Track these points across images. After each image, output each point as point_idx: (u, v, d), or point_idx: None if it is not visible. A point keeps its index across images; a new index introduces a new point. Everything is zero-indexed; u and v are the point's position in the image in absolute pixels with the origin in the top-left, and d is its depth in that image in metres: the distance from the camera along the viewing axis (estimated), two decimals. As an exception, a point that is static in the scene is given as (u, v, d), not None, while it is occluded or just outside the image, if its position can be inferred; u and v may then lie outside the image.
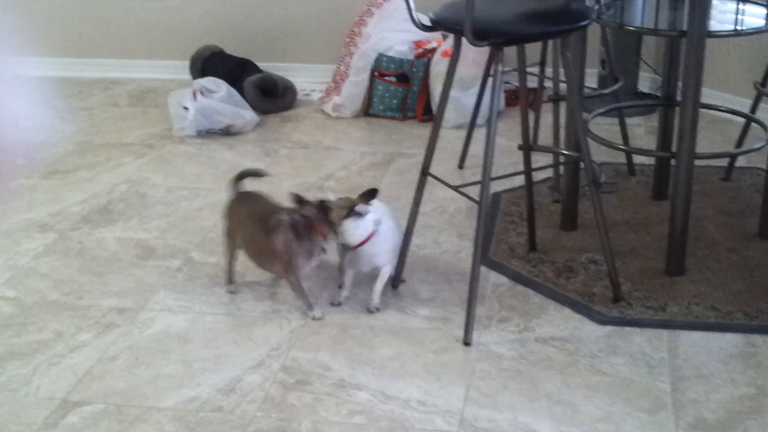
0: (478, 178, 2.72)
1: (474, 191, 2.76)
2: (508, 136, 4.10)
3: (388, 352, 2.65)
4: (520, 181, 3.53)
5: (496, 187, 3.57)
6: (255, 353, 2.66)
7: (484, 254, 3.09)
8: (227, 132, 4.39)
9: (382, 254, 2.84)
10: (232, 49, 4.96)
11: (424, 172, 2.90)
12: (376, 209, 2.82)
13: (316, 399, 2.46)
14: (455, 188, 2.88)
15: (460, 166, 3.91)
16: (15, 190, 3.83)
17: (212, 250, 3.18)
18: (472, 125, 3.94)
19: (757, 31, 3.16)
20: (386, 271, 2.86)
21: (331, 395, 2.47)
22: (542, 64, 3.86)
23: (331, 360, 2.62)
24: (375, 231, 2.79)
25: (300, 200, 2.80)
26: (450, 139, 4.11)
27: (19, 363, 2.64)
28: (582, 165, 2.96)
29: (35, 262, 3.23)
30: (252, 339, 2.73)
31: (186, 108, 4.38)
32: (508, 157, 3.88)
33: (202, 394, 2.48)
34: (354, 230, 2.75)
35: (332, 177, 3.89)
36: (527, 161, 3.08)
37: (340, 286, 2.93)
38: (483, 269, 2.99)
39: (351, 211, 2.73)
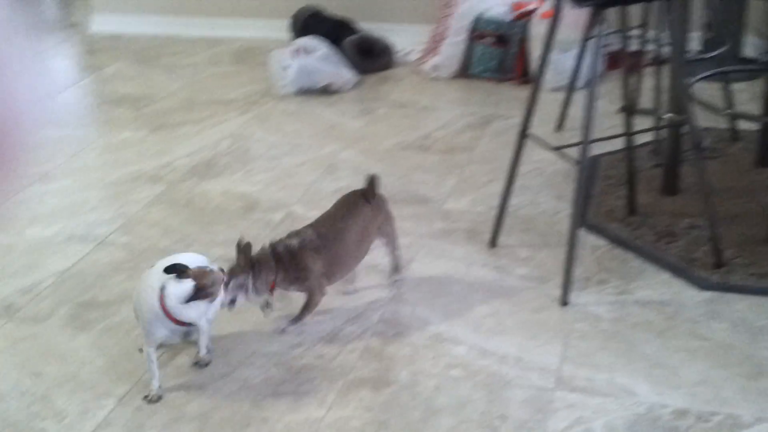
0: (576, 140, 2.73)
1: (573, 153, 2.76)
2: (608, 99, 4.06)
3: (485, 309, 2.69)
4: (619, 144, 3.50)
5: (595, 150, 3.55)
6: (355, 305, 2.74)
7: (583, 216, 3.10)
8: (326, 90, 4.46)
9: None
10: (332, 8, 5.01)
11: (523, 134, 2.91)
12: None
13: (414, 351, 2.52)
14: (555, 149, 2.89)
15: (559, 129, 3.90)
16: (123, 142, 3.98)
17: (314, 204, 3.26)
18: (570, 88, 3.91)
19: None
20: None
21: (428, 348, 2.53)
22: (644, 26, 3.80)
23: (429, 314, 2.68)
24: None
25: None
26: (548, 102, 4.09)
27: (131, 306, 2.76)
28: (684, 129, 2.93)
29: (145, 211, 3.36)
30: (351, 291, 2.80)
31: (287, 67, 4.45)
32: (607, 121, 3.84)
33: (305, 342, 2.57)
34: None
35: (430, 137, 3.92)
36: (628, 124, 3.07)
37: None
38: (582, 231, 2.99)
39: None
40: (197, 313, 2.32)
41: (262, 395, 2.36)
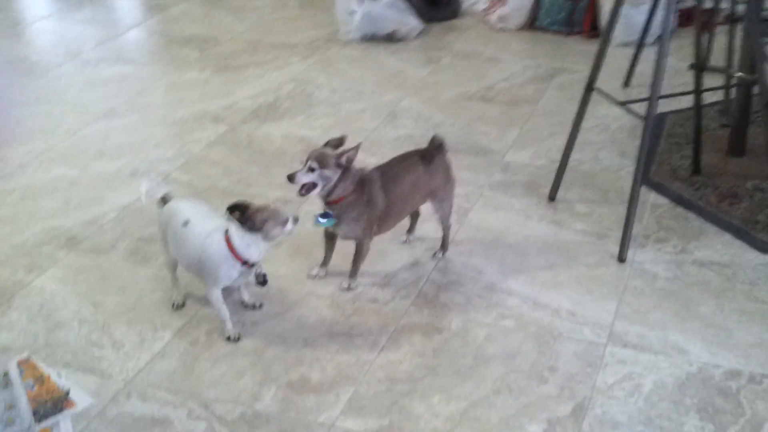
0: (644, 96, 2.68)
1: (640, 109, 2.72)
2: (678, 56, 3.96)
3: (541, 262, 2.68)
4: (687, 103, 3.43)
5: (662, 107, 3.48)
6: (410, 253, 2.75)
7: (645, 174, 3.05)
8: (391, 38, 4.44)
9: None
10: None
11: (590, 87, 2.87)
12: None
13: (467, 300, 2.52)
14: (622, 104, 2.84)
15: (626, 85, 3.83)
16: (188, 82, 4.02)
17: (374, 151, 3.26)
18: (640, 43, 3.83)
19: None
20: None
21: (481, 298, 2.53)
22: (720, -18, 3.70)
23: (484, 265, 2.68)
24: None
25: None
26: (616, 56, 4.00)
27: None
28: (755, 89, 2.86)
29: (207, 150, 3.40)
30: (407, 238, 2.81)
31: (352, 13, 4.44)
32: (676, 79, 3.76)
33: (359, 286, 2.59)
34: None
35: (493, 88, 3.89)
36: (698, 82, 3.00)
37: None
38: (643, 189, 2.95)
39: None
40: (259, 251, 2.32)
41: (315, 335, 2.40)
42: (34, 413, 2.14)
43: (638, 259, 2.67)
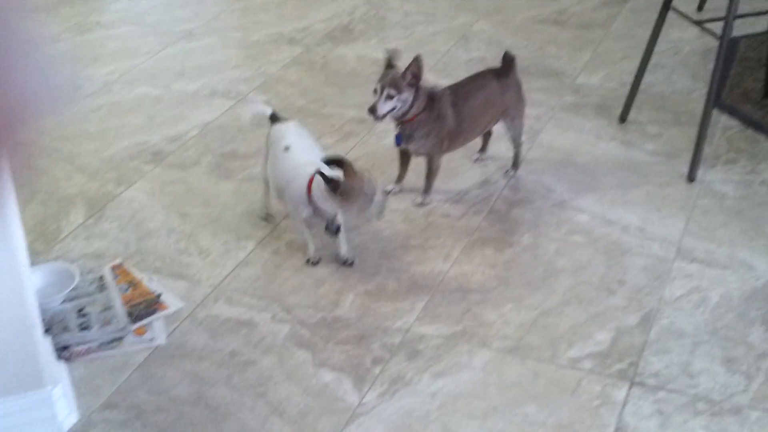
0: (719, 16, 2.68)
1: (715, 30, 2.72)
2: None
3: (611, 181, 2.73)
4: (761, 27, 3.41)
5: (735, 31, 3.46)
6: (483, 170, 2.82)
7: (717, 96, 3.06)
8: (463, -39, 4.44)
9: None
10: None
11: (666, 6, 2.87)
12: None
13: (537, 216, 2.60)
14: (697, 23, 2.85)
15: (699, 9, 3.80)
16: (263, 5, 4.09)
17: (446, 73, 3.32)
18: (717, -34, 3.79)
19: None
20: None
21: (551, 214, 2.60)
22: None
23: (554, 183, 2.74)
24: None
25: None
26: (691, -20, 3.99)
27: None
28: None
29: (284, 71, 3.49)
30: (479, 157, 2.88)
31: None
32: (753, 3, 3.73)
33: (433, 202, 2.68)
34: None
35: (566, 12, 3.89)
36: (775, 3, 2.99)
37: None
38: (714, 111, 2.97)
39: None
40: (333, 209, 2.33)
41: (390, 247, 2.50)
42: (129, 314, 2.29)
43: (708, 179, 2.70)
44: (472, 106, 2.62)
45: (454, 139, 2.64)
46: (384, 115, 2.50)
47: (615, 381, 2.01)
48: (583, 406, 1.95)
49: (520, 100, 2.71)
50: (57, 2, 4.17)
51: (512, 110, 2.70)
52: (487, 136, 2.84)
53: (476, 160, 2.87)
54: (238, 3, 4.19)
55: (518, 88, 2.70)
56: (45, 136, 0.56)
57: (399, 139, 2.59)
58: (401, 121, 2.56)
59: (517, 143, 2.76)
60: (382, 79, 2.52)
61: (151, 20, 4.03)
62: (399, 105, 2.50)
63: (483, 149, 2.87)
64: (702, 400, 1.95)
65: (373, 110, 2.48)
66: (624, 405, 1.95)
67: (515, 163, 2.80)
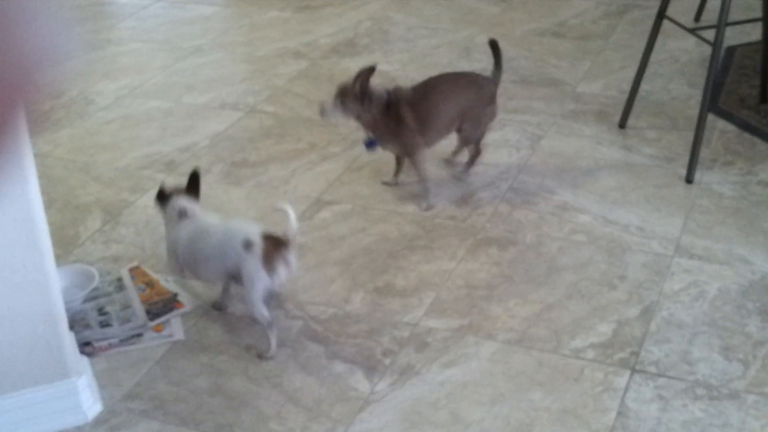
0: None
1: (709, 36, 2.82)
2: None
3: (611, 183, 2.82)
4: (756, 35, 3.51)
5: (731, 40, 3.57)
6: (486, 174, 2.91)
7: (713, 102, 3.15)
8: (464, -22, 4.55)
9: None
10: None
11: (660, 15, 2.97)
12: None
13: (540, 217, 2.68)
14: (691, 30, 2.94)
15: (696, 20, 3.90)
16: (269, 21, 4.20)
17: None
18: (711, -22, 3.90)
19: None
20: None
21: (554, 215, 2.69)
22: None
23: (556, 186, 2.83)
24: None
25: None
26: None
27: (279, 166, 3.01)
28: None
29: (290, 84, 3.58)
30: (483, 162, 2.96)
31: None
32: (748, 13, 3.83)
33: (438, 204, 2.76)
34: None
35: (566, 24, 4.00)
36: (766, 9, 3.08)
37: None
38: (711, 116, 3.06)
39: None
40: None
41: (398, 248, 2.58)
42: (147, 312, 2.37)
43: (705, 180, 2.79)
44: (432, 102, 2.73)
45: (424, 134, 2.73)
46: (330, 117, 2.72)
47: (617, 369, 2.09)
48: (587, 392, 2.03)
49: (488, 103, 2.77)
50: (67, 20, 4.27)
51: (476, 110, 2.75)
52: (474, 152, 2.87)
53: (458, 177, 2.90)
54: (245, 19, 4.30)
55: (486, 87, 2.77)
56: (55, 84, 0.59)
57: (367, 145, 2.76)
58: (365, 127, 2.73)
59: (470, 145, 2.83)
60: (338, 85, 2.73)
61: (159, 37, 4.13)
62: (349, 113, 2.69)
63: (469, 164, 2.89)
64: (701, 385, 2.03)
65: (321, 113, 2.72)
66: (626, 391, 2.02)
67: (469, 162, 2.88)
